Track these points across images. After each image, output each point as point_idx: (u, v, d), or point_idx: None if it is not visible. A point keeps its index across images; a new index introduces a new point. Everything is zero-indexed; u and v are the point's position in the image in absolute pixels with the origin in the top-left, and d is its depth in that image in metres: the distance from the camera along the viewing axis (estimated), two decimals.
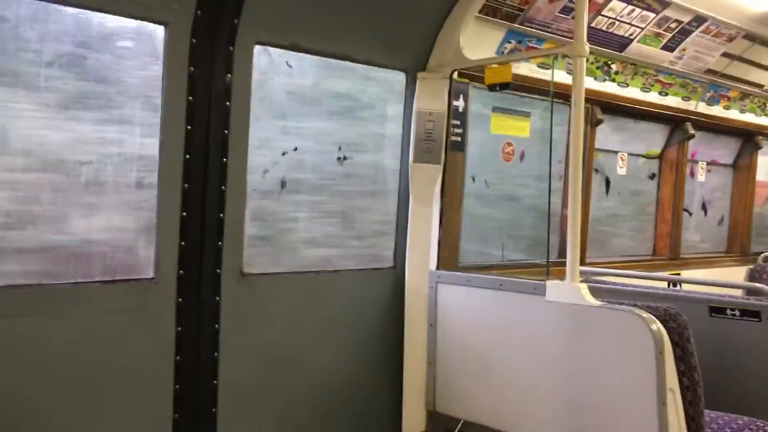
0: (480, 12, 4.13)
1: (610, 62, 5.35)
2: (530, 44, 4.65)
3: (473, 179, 4.92)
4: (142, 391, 3.20)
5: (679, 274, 6.31)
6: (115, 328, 3.12)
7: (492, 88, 3.91)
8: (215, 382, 3.38)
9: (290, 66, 3.70)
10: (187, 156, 3.26)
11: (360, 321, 4.00)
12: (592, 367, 3.37)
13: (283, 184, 3.73)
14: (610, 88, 5.51)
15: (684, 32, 5.42)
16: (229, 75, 3.35)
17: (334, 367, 3.88)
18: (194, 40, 3.22)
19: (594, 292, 3.45)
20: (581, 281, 3.47)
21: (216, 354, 3.38)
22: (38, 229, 2.96)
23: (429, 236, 4.19)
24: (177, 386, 3.26)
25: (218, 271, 3.39)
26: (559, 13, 4.58)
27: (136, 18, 3.08)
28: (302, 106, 3.79)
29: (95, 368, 3.06)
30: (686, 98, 6.19)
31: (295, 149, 3.76)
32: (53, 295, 2.96)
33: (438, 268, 4.17)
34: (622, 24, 5.03)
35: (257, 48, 3.48)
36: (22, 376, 2.86)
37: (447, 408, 4.03)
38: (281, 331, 3.67)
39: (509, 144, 5.12)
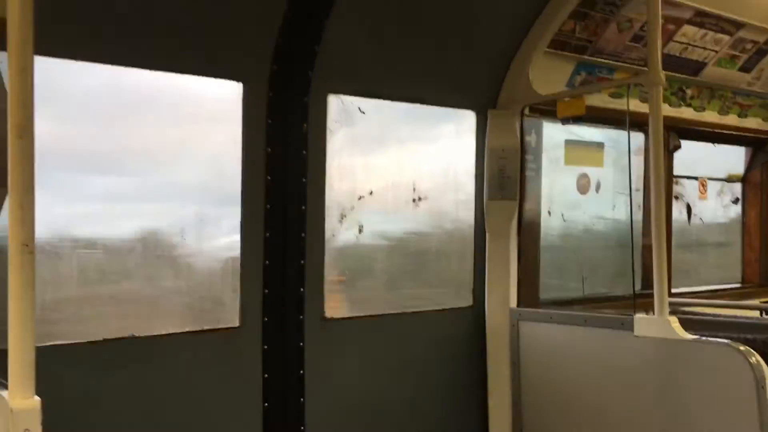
0: (548, 46, 4.13)
1: (684, 87, 5.23)
2: (601, 75, 4.60)
3: (549, 213, 4.85)
4: None
5: None
6: (204, 376, 3.20)
7: (565, 121, 3.89)
8: (302, 427, 3.41)
9: (363, 112, 3.77)
10: (268, 205, 3.35)
11: (442, 362, 3.97)
12: (687, 404, 3.24)
13: (360, 228, 3.77)
14: (686, 113, 5.37)
15: (761, 53, 5.26)
16: (305, 125, 3.44)
17: (418, 409, 3.86)
18: (271, 94, 3.33)
19: (683, 324, 3.33)
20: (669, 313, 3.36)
21: (302, 400, 3.41)
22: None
23: (508, 273, 4.14)
24: None
25: (301, 317, 3.44)
26: (629, 42, 4.53)
27: (215, 77, 3.22)
28: (376, 149, 3.86)
29: (184, 416, 3.14)
30: (767, 119, 5.97)
31: (371, 193, 3.81)
32: (146, 347, 3.06)
33: (518, 305, 4.11)
34: (695, 48, 4.92)
35: (331, 97, 3.57)
36: (114, 425, 2.95)
37: None
38: (364, 375, 3.68)
39: (584, 176, 5.04)
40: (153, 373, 3.05)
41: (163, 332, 3.12)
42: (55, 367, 2.64)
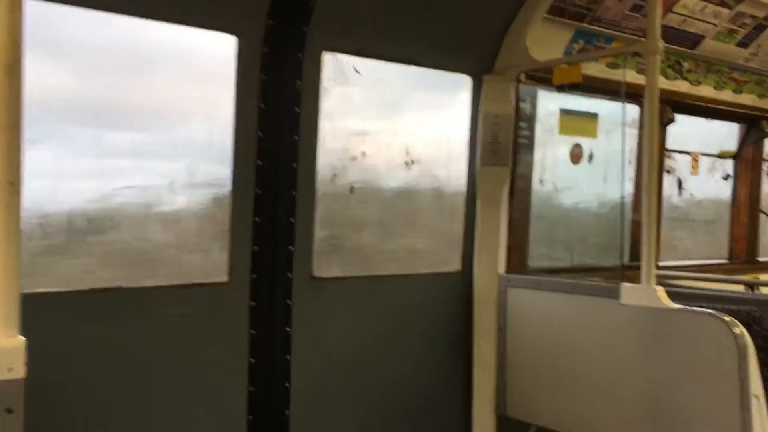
0: (547, 12, 4.08)
1: (681, 60, 5.20)
2: (599, 44, 4.56)
3: (541, 182, 4.85)
4: (217, 392, 3.27)
5: (757, 278, 6.07)
6: (190, 330, 3.20)
7: (560, 88, 3.86)
8: (287, 384, 3.42)
9: (358, 72, 3.73)
10: (259, 162, 3.33)
11: (428, 325, 4.00)
12: (670, 372, 3.28)
13: (351, 189, 3.76)
14: (681, 86, 5.35)
15: (760, 28, 5.22)
16: (299, 82, 3.40)
17: (403, 371, 3.88)
18: (265, 49, 3.29)
19: (670, 295, 3.35)
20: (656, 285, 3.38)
21: (288, 357, 3.43)
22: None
23: (497, 240, 4.15)
24: (251, 388, 3.32)
25: (289, 275, 3.44)
26: (629, 11, 4.49)
27: (209, 29, 3.17)
28: (369, 110, 3.83)
29: (171, 369, 3.15)
30: (762, 96, 5.96)
31: (363, 154, 3.79)
32: (133, 298, 3.06)
33: (507, 272, 4.13)
34: (694, 21, 4.88)
35: (326, 54, 3.52)
36: (101, 376, 2.96)
37: (518, 413, 3.98)
38: (351, 335, 3.70)
39: (577, 146, 5.03)
40: (139, 325, 3.04)
41: (152, 284, 3.12)
42: (42, 314, 2.63)
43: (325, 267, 3.61)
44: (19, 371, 1.68)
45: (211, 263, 3.31)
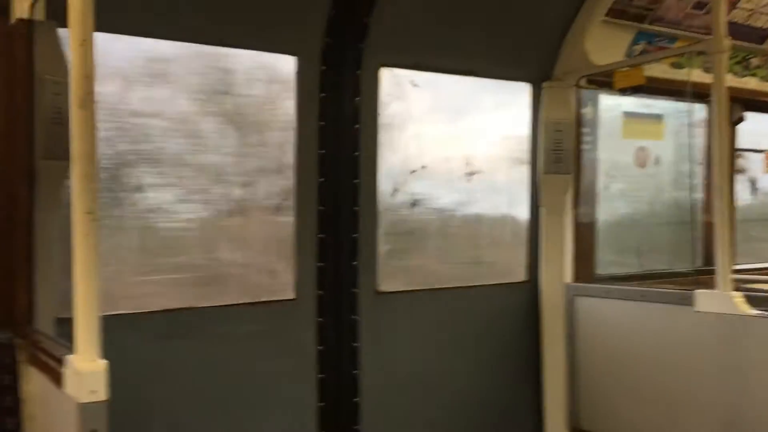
0: (606, 15, 4.01)
1: (749, 56, 5.03)
2: (661, 44, 4.45)
3: (606, 187, 4.75)
4: (288, 408, 3.31)
5: None
6: (260, 347, 3.25)
7: (623, 92, 3.78)
8: (356, 399, 3.44)
9: (416, 85, 3.74)
10: (321, 179, 3.37)
11: (495, 337, 3.95)
12: (748, 381, 3.15)
13: (413, 202, 3.76)
14: (750, 83, 5.17)
15: None
16: (357, 98, 3.44)
17: (472, 384, 3.85)
18: (324, 68, 3.34)
19: (748, 301, 3.23)
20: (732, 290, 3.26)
21: (356, 372, 3.44)
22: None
23: (562, 248, 4.08)
24: (321, 403, 3.35)
25: (354, 290, 3.46)
26: (691, 9, 4.37)
27: (269, 51, 3.24)
28: (428, 123, 3.83)
29: (242, 386, 3.20)
30: None
31: (423, 167, 3.79)
32: (203, 317, 3.13)
33: (574, 280, 4.05)
34: (761, 15, 4.71)
35: (383, 70, 3.55)
36: (174, 392, 3.03)
37: (592, 424, 3.89)
38: (418, 348, 3.69)
39: (642, 149, 4.91)
40: (211, 343, 3.11)
41: (221, 303, 3.19)
42: (118, 336, 2.71)
43: (389, 281, 3.61)
44: (102, 393, 1.74)
45: (278, 280, 3.36)
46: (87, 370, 1.73)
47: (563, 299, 4.00)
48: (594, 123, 4.23)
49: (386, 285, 3.60)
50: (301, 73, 3.31)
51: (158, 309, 3.01)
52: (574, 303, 3.96)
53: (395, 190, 3.70)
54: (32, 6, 2.43)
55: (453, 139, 3.90)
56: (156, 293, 3.05)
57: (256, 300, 3.28)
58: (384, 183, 3.60)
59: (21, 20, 2.44)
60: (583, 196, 4.21)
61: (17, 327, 2.41)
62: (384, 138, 3.58)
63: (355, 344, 3.45)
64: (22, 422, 2.30)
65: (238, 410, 3.18)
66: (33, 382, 2.31)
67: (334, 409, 3.39)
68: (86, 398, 1.72)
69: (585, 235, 4.26)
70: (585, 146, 4.22)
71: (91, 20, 1.77)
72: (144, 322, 2.96)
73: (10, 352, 2.35)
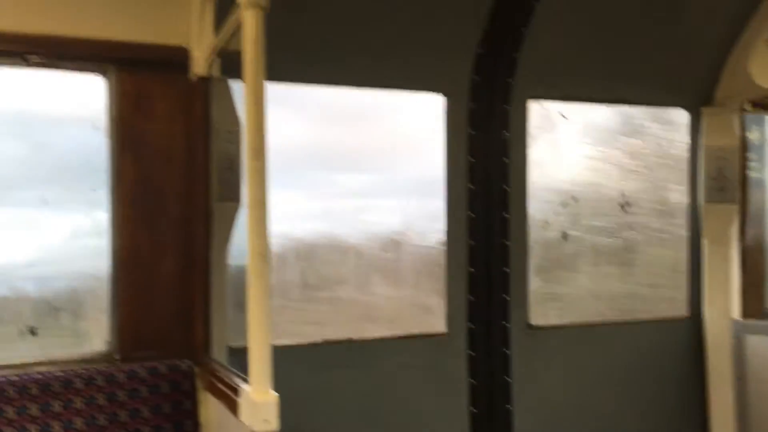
0: None
1: None
2: None
3: None
4: None
5: None
6: (412, 380, 3.32)
7: None
8: None
9: (565, 117, 3.71)
10: (471, 214, 3.42)
11: (653, 375, 3.77)
12: None
13: (564, 235, 3.71)
14: None
15: None
16: (506, 133, 3.46)
17: (629, 424, 3.69)
18: (472, 104, 3.40)
19: None
20: None
21: (509, 406, 3.42)
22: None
23: (728, 282, 3.84)
24: None
25: (506, 324, 3.46)
26: None
27: (418, 91, 3.35)
28: (579, 155, 3.77)
29: (396, 418, 3.28)
30: None
31: (575, 199, 3.73)
32: (361, 350, 3.25)
33: (742, 316, 3.80)
34: None
35: (531, 103, 3.56)
36: (331, 420, 3.15)
37: None
38: (572, 384, 3.61)
39: None
40: (367, 374, 3.22)
41: (377, 336, 3.30)
42: (283, 366, 2.89)
43: (541, 315, 3.58)
44: (274, 423, 1.87)
45: (430, 314, 3.43)
46: (260, 401, 1.87)
47: (730, 337, 3.76)
48: (761, 149, 3.97)
49: (538, 319, 3.56)
50: (450, 111, 3.40)
51: (318, 341, 3.17)
52: (743, 341, 3.71)
53: (546, 223, 3.67)
54: (210, 64, 2.69)
55: (605, 170, 3.82)
56: (315, 325, 3.22)
57: (410, 333, 3.36)
58: (534, 216, 3.58)
59: (200, 78, 2.71)
60: (750, 224, 3.95)
61: (196, 356, 2.64)
62: (533, 171, 3.58)
63: (508, 379, 3.44)
64: None
65: None
66: (210, 408, 2.51)
67: None
68: (260, 427, 1.86)
69: (754, 267, 3.98)
70: (751, 172, 3.96)
71: (263, 81, 1.93)
72: (304, 352, 3.12)
73: (190, 379, 2.57)
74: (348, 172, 3.40)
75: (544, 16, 3.29)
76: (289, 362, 3.00)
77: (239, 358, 2.55)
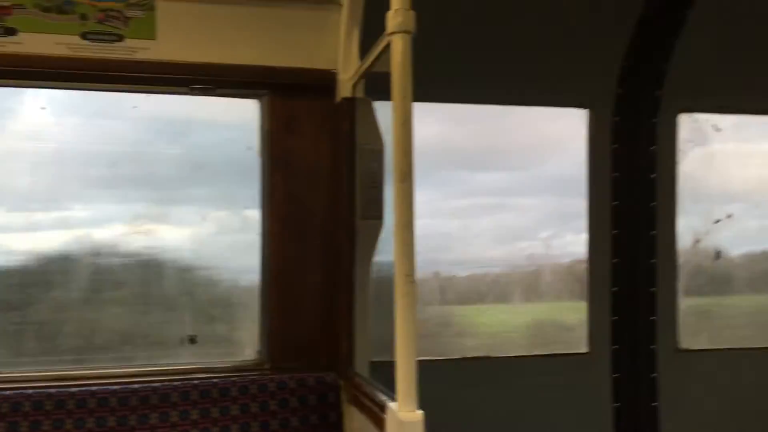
0: None
1: None
2: None
3: None
4: None
5: None
6: (552, 400, 3.25)
7: None
8: None
9: (718, 129, 3.51)
10: (615, 231, 3.31)
11: None
12: None
13: (717, 254, 3.51)
14: None
15: None
16: (653, 147, 3.33)
17: None
18: (616, 118, 3.30)
19: None
20: None
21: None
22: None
23: None
24: None
25: (653, 346, 3.32)
26: None
27: (561, 106, 3.30)
28: (734, 169, 3.56)
29: None
30: None
31: (729, 216, 3.52)
32: (499, 367, 3.23)
33: None
34: None
35: (681, 116, 3.40)
36: None
37: None
38: (725, 412, 3.40)
39: None
40: (505, 393, 3.19)
41: (514, 354, 3.27)
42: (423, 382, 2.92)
43: (691, 338, 3.40)
44: None
45: (571, 334, 3.35)
46: (407, 419, 1.90)
47: None
48: None
49: (688, 342, 3.39)
50: (593, 126, 3.31)
51: (458, 357, 3.18)
52: None
53: (697, 241, 3.49)
54: (354, 86, 2.78)
55: (764, 184, 3.57)
56: (453, 341, 3.23)
57: (549, 352, 3.30)
58: (684, 234, 3.42)
59: (345, 99, 2.80)
60: None
61: (340, 369, 2.72)
62: (683, 187, 3.41)
63: (654, 404, 3.29)
64: None
65: None
66: (354, 421, 2.57)
67: None
68: None
69: None
70: None
71: (411, 105, 1.97)
72: (443, 369, 3.14)
73: (336, 391, 2.65)
74: (486, 171, 3.38)
75: (695, 24, 3.14)
76: (425, 377, 3.04)
77: (381, 372, 2.61)
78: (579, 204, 3.33)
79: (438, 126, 3.22)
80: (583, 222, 3.30)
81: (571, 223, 3.38)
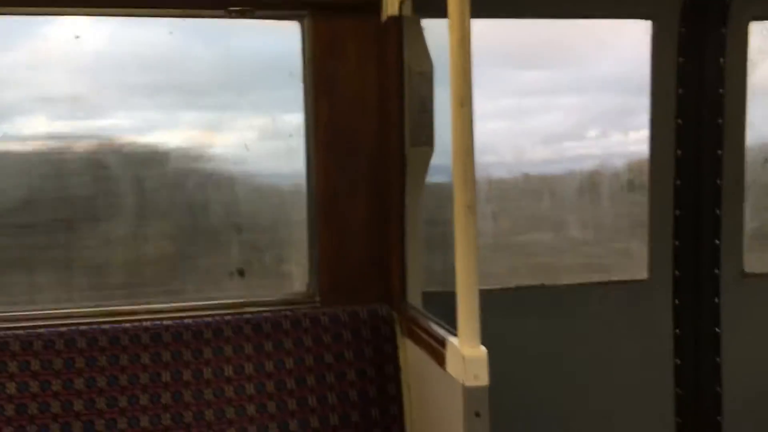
0: None
1: None
2: None
3: None
4: (641, 391, 3.18)
5: None
6: (610, 328, 3.16)
7: None
8: (719, 389, 3.18)
9: None
10: (679, 151, 3.13)
11: None
12: None
13: None
14: None
15: None
16: (722, 60, 3.10)
17: None
18: (682, 29, 3.07)
19: None
20: None
21: (718, 359, 3.17)
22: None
23: None
24: (678, 391, 3.17)
25: (716, 271, 3.17)
26: None
27: (624, 18, 3.07)
28: None
29: (593, 367, 3.15)
30: None
31: None
32: (555, 296, 3.13)
33: None
34: None
35: (753, 24, 3.14)
36: (529, 373, 3.07)
37: None
38: None
39: None
40: (562, 322, 3.11)
41: (571, 282, 3.17)
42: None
43: (758, 262, 3.25)
44: (484, 379, 1.83)
45: (630, 260, 3.23)
46: (471, 356, 1.83)
47: None
48: None
49: (754, 266, 3.24)
50: (657, 37, 3.09)
51: (511, 286, 3.09)
52: None
53: (766, 161, 3.28)
54: (401, 4, 2.60)
55: None
56: (509, 271, 3.14)
57: (607, 279, 3.19)
58: (753, 153, 3.22)
59: (391, 18, 2.63)
60: None
61: (393, 301, 2.66)
62: (753, 101, 3.19)
63: (717, 330, 3.18)
64: (401, 389, 2.54)
65: (589, 390, 3.14)
66: (409, 354, 2.52)
67: (694, 397, 3.18)
68: (470, 382, 1.83)
69: None
70: None
71: (469, 25, 1.81)
72: (497, 298, 3.05)
73: (390, 324, 2.60)
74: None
75: None
76: (481, 307, 2.96)
77: (435, 304, 2.54)
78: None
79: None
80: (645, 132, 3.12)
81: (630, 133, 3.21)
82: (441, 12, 1.90)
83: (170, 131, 2.80)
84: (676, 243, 3.16)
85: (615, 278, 3.20)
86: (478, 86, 1.77)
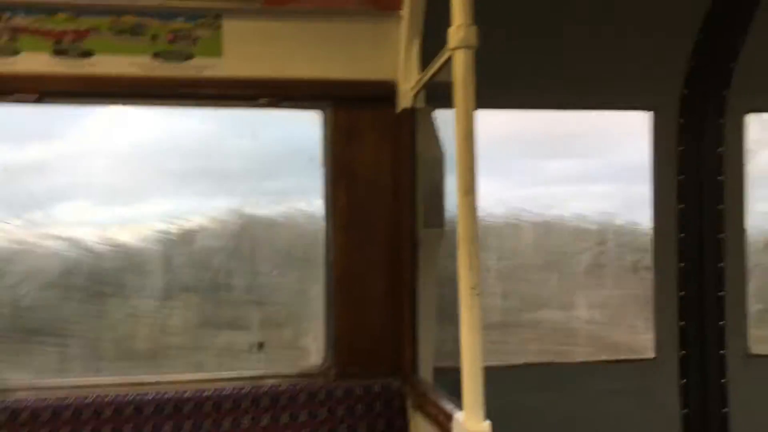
0: None
1: None
2: None
3: None
4: None
5: None
6: (617, 407, 3.22)
7: None
8: None
9: None
10: (681, 234, 3.26)
11: None
12: None
13: None
14: None
15: None
16: (720, 148, 3.26)
17: None
18: (681, 119, 3.24)
19: None
20: None
21: None
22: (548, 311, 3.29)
23: None
24: None
25: (722, 351, 3.25)
26: None
27: (625, 110, 3.25)
28: None
29: None
30: None
31: None
32: (561, 373, 3.21)
33: None
34: None
35: (749, 116, 3.32)
36: None
37: None
38: None
39: None
40: (570, 398, 3.17)
41: (578, 360, 3.25)
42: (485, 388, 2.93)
43: (763, 343, 3.32)
44: None
45: (637, 339, 3.32)
46: (474, 430, 1.92)
47: None
48: None
49: (760, 347, 3.31)
50: (658, 128, 3.26)
51: (519, 363, 3.18)
52: None
53: (767, 244, 3.40)
54: (415, 96, 2.81)
55: None
56: (517, 348, 3.23)
57: (614, 358, 3.27)
58: (753, 237, 3.33)
59: (406, 109, 2.83)
60: None
61: (405, 375, 2.76)
62: (752, 188, 3.33)
63: (725, 410, 3.23)
64: None
65: None
66: (420, 428, 2.61)
67: None
68: None
69: None
70: None
71: (473, 119, 1.98)
72: (505, 375, 3.14)
73: (401, 399, 2.70)
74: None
75: (762, 22, 3.06)
76: (489, 383, 3.04)
77: (445, 378, 2.63)
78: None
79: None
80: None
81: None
82: (452, 103, 2.07)
83: (201, 215, 3.00)
84: (682, 324, 3.25)
85: (622, 357, 3.28)
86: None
